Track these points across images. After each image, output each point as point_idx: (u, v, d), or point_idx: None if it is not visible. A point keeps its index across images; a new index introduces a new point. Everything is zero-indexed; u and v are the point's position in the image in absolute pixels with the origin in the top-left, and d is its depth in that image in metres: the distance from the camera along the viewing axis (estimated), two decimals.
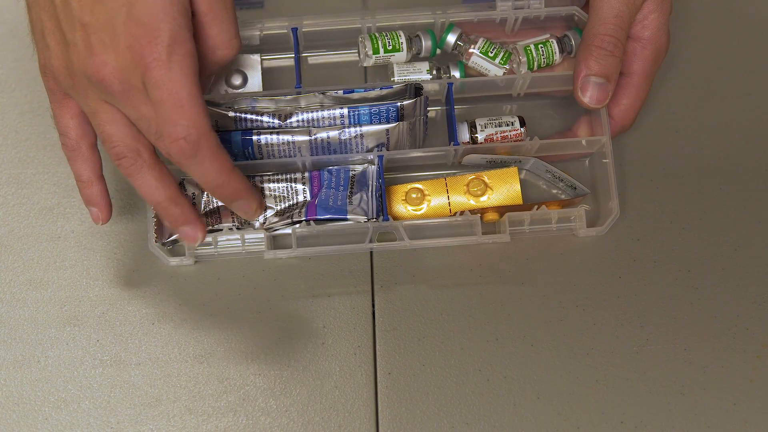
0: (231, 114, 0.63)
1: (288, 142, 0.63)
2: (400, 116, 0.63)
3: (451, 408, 0.61)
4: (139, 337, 0.63)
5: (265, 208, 0.63)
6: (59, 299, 0.64)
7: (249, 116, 0.63)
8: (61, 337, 0.63)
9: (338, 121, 0.63)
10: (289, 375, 0.62)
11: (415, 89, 0.64)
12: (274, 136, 0.63)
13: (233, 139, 0.63)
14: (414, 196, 0.65)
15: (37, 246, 0.66)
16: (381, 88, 0.64)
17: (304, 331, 0.63)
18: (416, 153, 0.64)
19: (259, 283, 0.64)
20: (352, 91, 0.63)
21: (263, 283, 0.64)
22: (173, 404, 0.61)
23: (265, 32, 0.67)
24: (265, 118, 0.63)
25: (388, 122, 0.63)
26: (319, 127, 0.63)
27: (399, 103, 0.63)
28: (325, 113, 0.63)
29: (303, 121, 0.63)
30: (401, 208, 0.65)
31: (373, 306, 0.64)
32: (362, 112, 0.63)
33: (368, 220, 0.63)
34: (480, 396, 0.61)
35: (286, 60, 0.70)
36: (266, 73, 0.69)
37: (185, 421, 0.61)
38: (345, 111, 0.63)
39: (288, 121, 0.63)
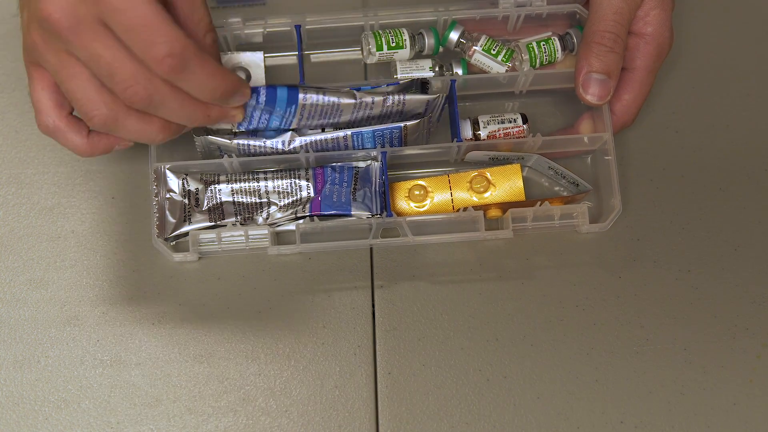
0: (234, 142, 0.63)
1: (333, 103, 0.61)
2: (404, 136, 0.63)
3: (451, 408, 0.61)
4: (139, 337, 0.63)
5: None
6: (59, 299, 0.64)
7: (252, 142, 0.63)
8: (61, 337, 0.63)
9: (341, 143, 0.63)
10: (289, 375, 0.62)
11: (421, 83, 0.63)
12: (320, 96, 0.61)
13: (278, 96, 0.60)
14: (417, 192, 0.65)
15: (37, 246, 0.66)
16: (387, 85, 0.63)
17: (304, 331, 0.63)
18: (419, 150, 0.64)
19: (259, 283, 0.64)
20: (359, 89, 0.63)
21: (263, 282, 0.64)
22: (173, 404, 0.61)
23: (268, 29, 0.67)
24: (269, 143, 0.63)
25: (392, 144, 0.63)
26: (362, 91, 0.62)
27: (402, 124, 0.63)
28: (328, 136, 0.63)
29: (306, 144, 0.63)
30: (404, 204, 0.65)
31: (373, 306, 0.64)
32: (365, 135, 0.63)
33: (372, 216, 0.63)
34: (480, 396, 0.61)
35: (289, 58, 0.70)
36: (269, 71, 0.69)
37: (185, 421, 0.61)
38: (348, 133, 0.63)
39: (291, 145, 0.63)
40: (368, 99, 0.62)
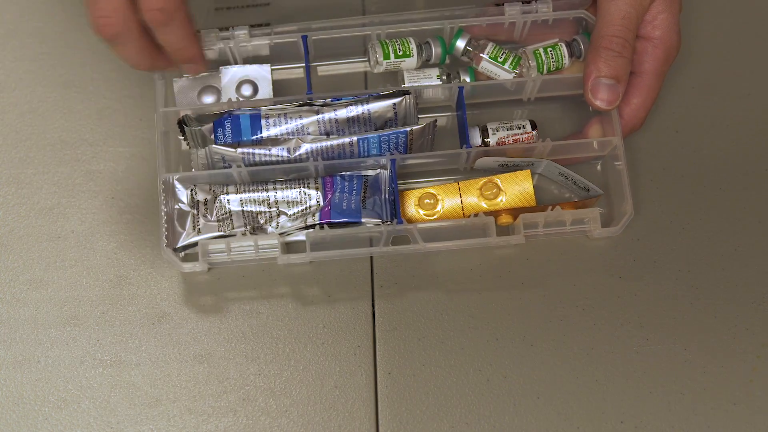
0: (239, 152, 0.63)
1: (297, 123, 0.63)
2: (409, 141, 0.63)
3: (451, 408, 0.61)
4: (139, 337, 0.63)
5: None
6: (59, 299, 0.64)
7: (257, 151, 0.63)
8: (61, 337, 0.63)
9: (347, 150, 0.63)
10: (289, 375, 0.62)
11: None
12: (283, 119, 0.63)
13: (242, 125, 0.63)
14: (427, 201, 0.65)
15: (37, 246, 0.66)
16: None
17: (304, 331, 0.63)
18: (428, 157, 0.64)
19: (260, 284, 0.64)
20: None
21: (263, 283, 0.64)
22: (173, 404, 0.61)
23: (275, 41, 0.67)
24: (274, 151, 0.63)
25: (398, 149, 0.63)
26: (326, 105, 0.64)
27: (408, 129, 0.63)
28: (334, 142, 0.63)
29: (312, 151, 0.63)
30: (414, 212, 0.65)
31: (373, 306, 0.64)
32: (371, 140, 0.63)
33: (382, 223, 0.63)
34: (480, 396, 0.61)
35: (295, 71, 0.70)
36: (276, 84, 0.68)
37: (185, 421, 0.61)
38: (354, 139, 0.63)
39: (297, 153, 0.63)
40: (331, 113, 0.63)
